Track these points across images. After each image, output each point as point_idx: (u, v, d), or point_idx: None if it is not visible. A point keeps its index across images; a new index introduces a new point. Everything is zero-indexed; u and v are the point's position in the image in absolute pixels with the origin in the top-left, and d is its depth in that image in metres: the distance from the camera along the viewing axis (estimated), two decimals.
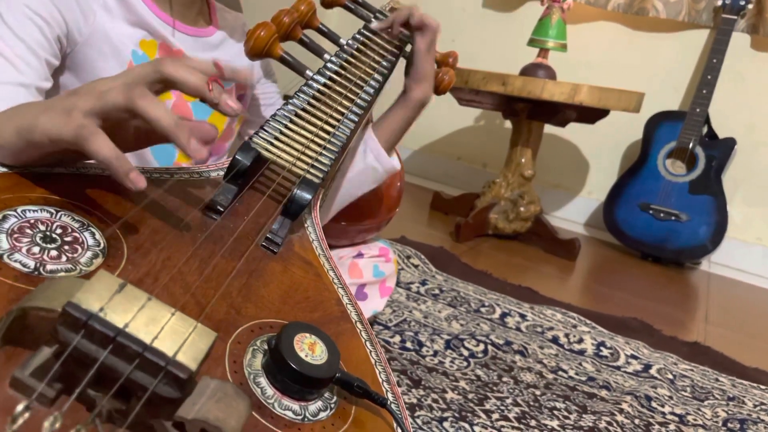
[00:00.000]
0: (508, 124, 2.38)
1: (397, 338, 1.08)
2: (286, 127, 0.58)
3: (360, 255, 1.01)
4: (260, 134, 0.55)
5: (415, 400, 0.88)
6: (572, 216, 2.41)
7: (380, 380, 0.43)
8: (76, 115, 0.39)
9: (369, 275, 1.00)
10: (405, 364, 0.99)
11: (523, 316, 1.30)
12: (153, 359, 0.29)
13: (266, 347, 0.39)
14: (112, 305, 0.30)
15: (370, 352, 0.45)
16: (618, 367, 1.14)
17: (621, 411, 0.97)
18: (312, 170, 0.55)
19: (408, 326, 1.15)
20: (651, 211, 2.03)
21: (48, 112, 0.41)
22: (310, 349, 0.38)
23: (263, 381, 0.38)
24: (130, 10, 0.70)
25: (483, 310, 1.30)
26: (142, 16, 0.71)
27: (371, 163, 0.80)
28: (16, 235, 0.39)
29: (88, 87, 0.43)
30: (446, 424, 0.84)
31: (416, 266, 1.50)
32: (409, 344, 1.07)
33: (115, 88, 0.40)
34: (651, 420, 0.96)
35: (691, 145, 1.98)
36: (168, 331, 0.30)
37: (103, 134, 0.39)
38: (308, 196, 0.52)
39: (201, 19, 0.80)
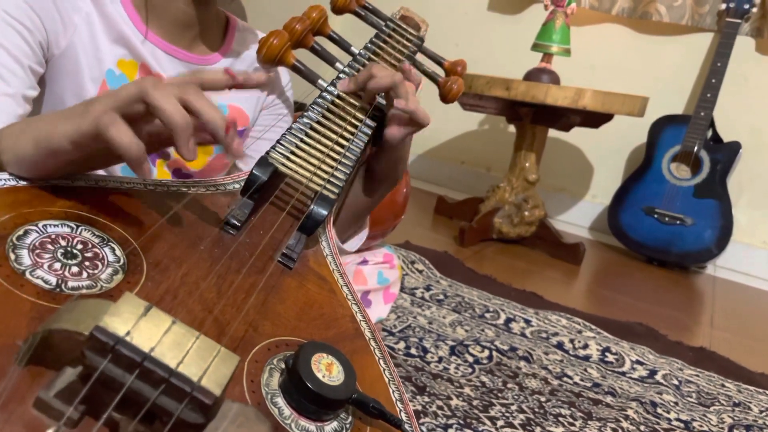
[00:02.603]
0: (512, 128, 2.38)
1: (402, 344, 1.08)
2: (301, 140, 0.58)
3: (364, 261, 1.01)
4: (277, 148, 0.56)
5: (419, 407, 0.89)
6: (577, 220, 2.41)
7: (393, 399, 0.44)
8: (93, 111, 0.40)
9: (373, 282, 1.00)
10: (410, 371, 1.00)
11: (527, 322, 1.30)
12: (179, 384, 0.29)
13: (283, 366, 0.40)
14: (139, 329, 0.30)
15: (384, 370, 0.45)
16: (623, 373, 1.15)
17: (626, 417, 0.97)
18: (328, 186, 0.55)
19: (412, 332, 1.15)
20: (656, 215, 2.03)
21: (64, 118, 0.42)
22: (327, 370, 0.38)
23: (280, 401, 0.38)
24: (113, 26, 0.67)
25: (488, 315, 1.30)
26: (124, 34, 0.67)
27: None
28: (37, 251, 0.39)
29: (100, 95, 0.44)
30: (451, 431, 0.84)
31: (420, 271, 1.50)
32: (413, 350, 1.07)
33: (129, 84, 0.42)
34: (656, 426, 0.97)
35: (695, 148, 1.99)
36: (193, 356, 0.30)
37: (124, 123, 0.40)
38: (324, 212, 0.52)
39: (202, 44, 0.75)
